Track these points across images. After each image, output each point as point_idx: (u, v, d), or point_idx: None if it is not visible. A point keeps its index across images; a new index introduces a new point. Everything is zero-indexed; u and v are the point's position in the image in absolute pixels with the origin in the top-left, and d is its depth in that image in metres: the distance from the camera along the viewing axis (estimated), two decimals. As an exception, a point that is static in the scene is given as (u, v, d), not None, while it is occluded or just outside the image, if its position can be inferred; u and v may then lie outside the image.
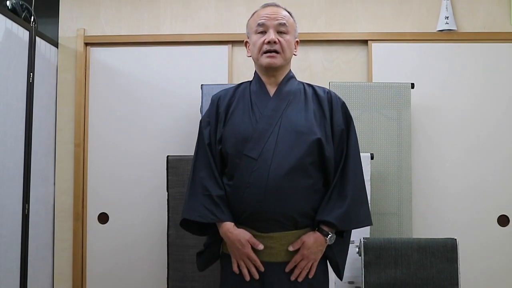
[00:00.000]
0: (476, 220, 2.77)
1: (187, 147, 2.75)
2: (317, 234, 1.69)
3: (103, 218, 2.86)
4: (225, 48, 2.88)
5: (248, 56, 1.84)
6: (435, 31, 2.85)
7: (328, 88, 1.94)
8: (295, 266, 1.68)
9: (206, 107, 2.56)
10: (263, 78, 1.81)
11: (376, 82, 2.76)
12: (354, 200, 1.70)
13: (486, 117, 2.81)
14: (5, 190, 2.36)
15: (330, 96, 1.80)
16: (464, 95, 2.82)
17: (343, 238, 1.75)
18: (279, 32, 1.75)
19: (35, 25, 2.67)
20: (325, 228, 1.69)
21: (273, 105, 1.75)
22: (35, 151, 2.63)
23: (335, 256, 1.74)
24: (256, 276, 1.67)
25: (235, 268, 1.70)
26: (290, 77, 1.82)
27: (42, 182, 2.74)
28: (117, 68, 2.90)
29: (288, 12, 1.81)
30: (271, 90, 1.79)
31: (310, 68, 2.88)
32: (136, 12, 2.92)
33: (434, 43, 2.84)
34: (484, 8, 2.85)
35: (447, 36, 2.83)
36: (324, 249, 1.71)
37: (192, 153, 1.84)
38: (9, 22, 2.42)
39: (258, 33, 1.76)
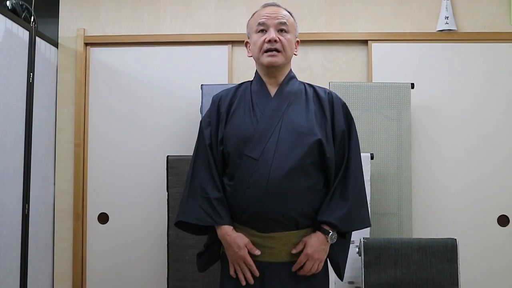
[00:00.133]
0: (476, 220, 2.77)
1: (187, 147, 2.76)
2: (318, 233, 1.69)
3: (103, 218, 2.86)
4: (225, 48, 2.88)
5: (249, 56, 1.84)
6: (435, 31, 2.85)
7: (328, 88, 1.94)
8: (301, 268, 1.68)
9: (206, 107, 2.57)
10: (264, 78, 1.80)
11: (376, 82, 2.76)
12: (355, 202, 1.71)
13: (486, 117, 2.81)
14: (5, 190, 2.36)
15: (331, 97, 1.80)
16: (464, 95, 2.82)
17: (344, 239, 1.75)
18: (280, 31, 1.75)
19: (35, 25, 2.67)
20: (327, 228, 1.69)
21: (274, 105, 1.75)
22: (35, 151, 2.63)
23: (336, 256, 1.74)
24: (251, 281, 1.67)
25: (232, 273, 1.71)
26: (291, 77, 1.82)
27: (42, 182, 2.74)
28: (117, 68, 2.90)
29: (289, 12, 1.81)
30: (272, 90, 1.79)
31: (310, 68, 2.88)
32: (136, 12, 2.92)
33: (434, 43, 2.84)
34: (484, 8, 2.85)
35: (447, 36, 2.83)
36: (327, 249, 1.71)
37: (192, 153, 1.83)
38: (9, 22, 2.42)
39: (259, 32, 1.76)
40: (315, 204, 1.71)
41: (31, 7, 2.71)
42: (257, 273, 1.67)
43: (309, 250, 1.67)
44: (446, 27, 2.80)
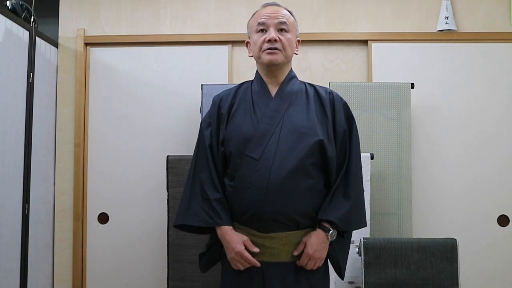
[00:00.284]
0: (476, 220, 2.77)
1: (187, 147, 2.76)
2: (319, 231, 1.70)
3: (103, 218, 2.86)
4: (225, 48, 2.88)
5: (250, 56, 1.84)
6: (435, 31, 2.85)
7: (328, 88, 1.94)
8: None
9: (206, 107, 2.58)
10: (265, 78, 1.80)
11: (376, 82, 2.76)
12: (356, 201, 1.72)
13: (486, 117, 2.81)
14: (5, 190, 2.36)
15: (332, 97, 1.80)
16: (464, 95, 2.82)
17: (344, 238, 1.75)
18: (280, 31, 1.75)
19: (35, 25, 2.67)
20: (327, 225, 1.69)
21: (274, 105, 1.75)
22: (35, 151, 2.63)
23: (336, 256, 1.75)
24: (255, 274, 1.68)
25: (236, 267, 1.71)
26: (291, 77, 1.82)
27: (42, 182, 2.74)
28: (117, 68, 2.90)
29: (289, 11, 1.81)
30: (273, 90, 1.79)
31: (310, 68, 2.88)
32: (136, 12, 2.92)
33: (434, 43, 2.84)
34: (484, 8, 2.85)
35: (447, 36, 2.83)
36: (327, 246, 1.71)
37: (192, 153, 1.84)
38: (9, 22, 2.42)
39: (259, 32, 1.76)
40: (315, 204, 1.71)
41: (31, 7, 2.71)
42: (258, 264, 1.67)
43: (309, 250, 1.67)
44: (446, 27, 2.80)
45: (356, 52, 2.88)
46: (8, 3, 2.59)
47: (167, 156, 2.54)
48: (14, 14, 2.53)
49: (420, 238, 2.32)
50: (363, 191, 1.81)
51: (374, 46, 2.84)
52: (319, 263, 1.70)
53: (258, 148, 1.68)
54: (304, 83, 1.85)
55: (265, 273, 1.68)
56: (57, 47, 2.90)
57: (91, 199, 2.87)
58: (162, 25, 2.91)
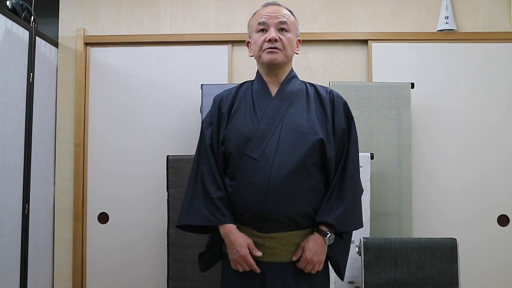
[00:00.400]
0: (476, 220, 2.77)
1: (187, 147, 2.76)
2: (316, 235, 1.69)
3: (103, 218, 2.86)
4: (225, 48, 2.88)
5: (251, 56, 1.84)
6: (435, 31, 2.85)
7: (329, 87, 1.94)
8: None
9: (206, 107, 2.58)
10: (265, 77, 1.80)
11: (376, 82, 2.76)
12: (350, 202, 1.71)
13: (486, 117, 2.81)
14: (5, 190, 2.36)
15: (333, 96, 1.80)
16: (464, 95, 2.82)
17: (343, 239, 1.75)
18: (280, 30, 1.75)
19: (35, 25, 2.67)
20: (324, 229, 1.69)
21: (275, 105, 1.75)
22: (35, 151, 2.63)
23: (336, 257, 1.74)
24: (255, 274, 1.68)
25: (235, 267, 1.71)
26: (292, 76, 1.82)
27: (42, 182, 2.74)
28: (117, 68, 2.90)
29: (290, 11, 1.81)
30: (273, 90, 1.79)
31: (310, 68, 2.88)
32: (136, 12, 2.92)
33: (434, 43, 2.84)
34: (484, 8, 2.85)
35: (447, 36, 2.83)
36: (326, 250, 1.71)
37: (192, 153, 1.84)
38: (9, 22, 2.42)
39: (259, 31, 1.76)
40: (315, 204, 1.71)
41: (31, 7, 2.71)
42: (258, 270, 1.67)
43: (308, 255, 1.67)
44: (446, 27, 2.80)
45: (356, 52, 2.88)
46: (8, 3, 2.59)
47: (167, 156, 2.54)
48: (14, 14, 2.53)
49: (420, 238, 2.32)
50: (362, 190, 1.80)
51: (374, 46, 2.84)
52: (318, 267, 1.69)
53: (258, 148, 1.68)
54: (305, 82, 1.84)
55: (265, 273, 1.68)
56: (57, 47, 2.91)
57: (91, 199, 2.87)
58: (162, 25, 2.91)
